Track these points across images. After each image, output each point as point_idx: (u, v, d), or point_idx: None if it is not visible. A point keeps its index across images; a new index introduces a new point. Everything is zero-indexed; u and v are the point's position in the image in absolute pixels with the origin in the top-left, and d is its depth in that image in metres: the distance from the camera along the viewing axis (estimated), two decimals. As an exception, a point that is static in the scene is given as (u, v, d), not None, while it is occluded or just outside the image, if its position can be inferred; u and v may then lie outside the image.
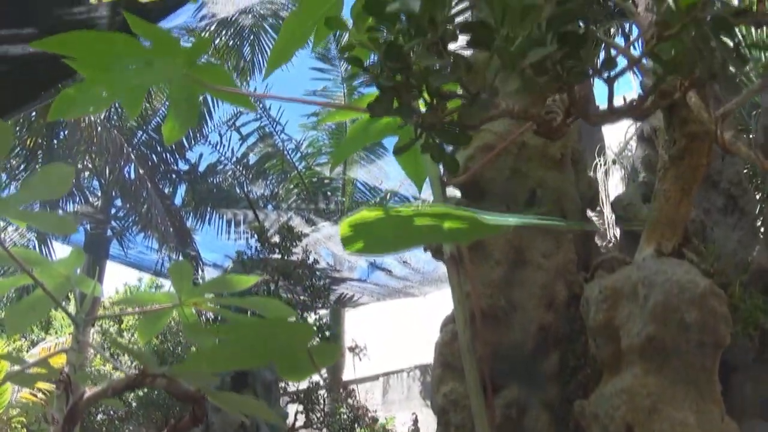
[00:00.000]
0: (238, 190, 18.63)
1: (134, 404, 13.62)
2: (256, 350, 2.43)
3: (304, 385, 11.51)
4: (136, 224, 17.71)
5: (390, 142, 2.51)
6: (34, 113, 14.56)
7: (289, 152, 18.73)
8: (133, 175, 17.19)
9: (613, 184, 8.64)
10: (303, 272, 11.98)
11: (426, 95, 1.53)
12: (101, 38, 2.37)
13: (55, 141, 16.84)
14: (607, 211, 7.40)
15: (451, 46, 1.47)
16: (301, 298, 12.06)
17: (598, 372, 2.88)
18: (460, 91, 1.52)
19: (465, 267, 2.50)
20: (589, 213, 3.88)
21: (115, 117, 16.29)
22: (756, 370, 3.74)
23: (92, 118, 15.27)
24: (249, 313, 3.88)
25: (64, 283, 3.11)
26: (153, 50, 2.32)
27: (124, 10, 2.32)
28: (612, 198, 8.05)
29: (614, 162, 8.74)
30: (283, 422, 9.94)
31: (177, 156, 18.15)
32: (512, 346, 3.06)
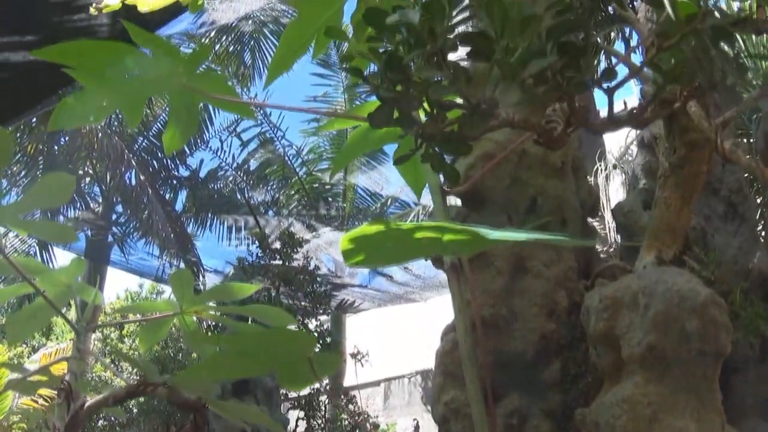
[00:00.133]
0: (239, 196, 18.63)
1: (135, 411, 13.62)
2: (257, 359, 2.43)
3: (305, 391, 11.49)
4: (137, 230, 17.71)
5: (391, 148, 2.51)
6: (34, 119, 14.56)
7: (290, 158, 18.75)
8: (134, 181, 17.21)
9: (613, 189, 8.65)
10: (304, 278, 11.99)
11: (426, 105, 1.54)
12: (101, 47, 2.38)
13: (56, 147, 16.86)
14: (608, 216, 7.40)
15: (452, 56, 1.48)
16: (302, 304, 12.05)
17: (599, 380, 2.88)
18: (460, 101, 1.52)
19: (465, 276, 2.50)
20: (590, 219, 3.88)
21: (116, 123, 16.30)
22: (756, 371, 3.73)
23: (93, 125, 15.27)
24: (250, 320, 3.88)
25: (65, 292, 3.11)
26: (153, 59, 2.32)
27: (123, 20, 2.32)
28: (613, 203, 8.06)
29: (615, 167, 8.74)
30: (284, 429, 9.92)
31: (178, 162, 18.16)
32: (513, 354, 3.05)
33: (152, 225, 16.60)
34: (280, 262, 11.80)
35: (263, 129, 18.35)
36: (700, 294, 2.56)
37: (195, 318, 3.20)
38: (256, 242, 12.41)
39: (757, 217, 5.38)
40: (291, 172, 18.83)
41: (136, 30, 2.29)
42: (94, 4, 2.37)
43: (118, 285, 28.81)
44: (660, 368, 2.57)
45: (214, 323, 9.78)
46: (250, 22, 16.22)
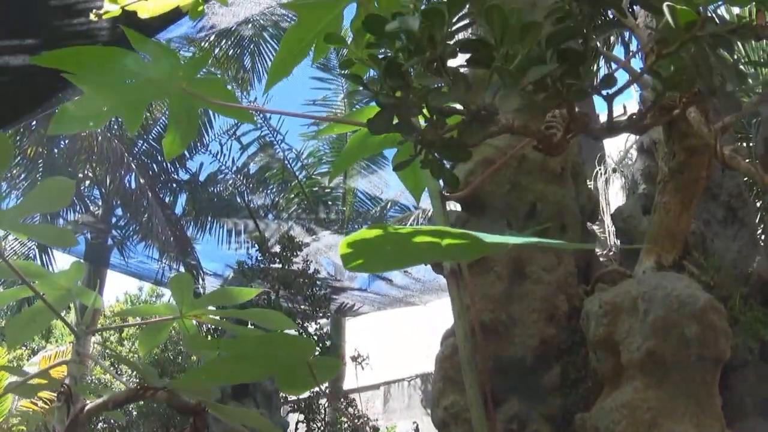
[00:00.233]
0: (238, 200, 18.63)
1: (134, 413, 13.61)
2: (257, 364, 2.44)
3: (304, 394, 11.50)
4: (136, 233, 17.70)
5: (390, 151, 2.52)
6: (34, 122, 14.56)
7: (290, 162, 18.74)
8: (133, 185, 17.22)
9: (613, 192, 8.65)
10: (303, 282, 11.99)
11: (426, 111, 1.54)
12: (100, 53, 2.38)
13: (56, 150, 16.85)
14: (608, 220, 7.40)
15: (451, 62, 1.48)
16: (302, 307, 12.06)
17: (598, 385, 2.88)
18: (459, 107, 1.52)
19: (465, 281, 2.51)
20: (589, 224, 3.88)
21: (115, 127, 16.29)
22: (756, 370, 3.74)
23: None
24: (249, 323, 3.88)
25: (65, 295, 3.12)
26: (152, 65, 2.32)
27: (123, 26, 2.32)
28: (612, 206, 8.06)
29: (614, 171, 8.74)
30: (284, 432, 9.93)
31: (177, 165, 18.15)
32: (513, 359, 3.05)
33: (152, 228, 16.60)
34: (280, 266, 11.81)
35: (263, 133, 18.34)
36: (700, 299, 2.56)
37: (194, 322, 3.20)
38: (256, 246, 12.42)
39: (757, 221, 5.38)
40: (291, 175, 18.83)
41: (136, 36, 2.30)
42: (94, 11, 2.36)
43: (118, 288, 28.89)
44: (659, 373, 2.57)
45: (213, 327, 9.79)
46: (249, 26, 16.22)
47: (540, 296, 3.13)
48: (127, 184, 17.32)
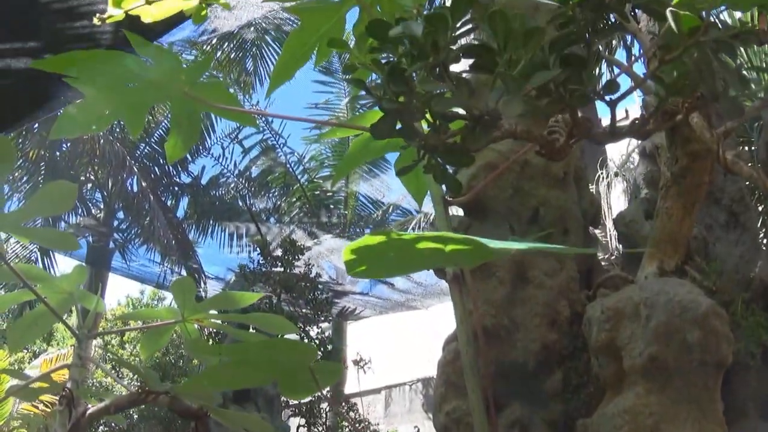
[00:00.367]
0: (240, 203, 18.62)
1: (135, 417, 13.61)
2: (259, 369, 2.44)
3: (306, 398, 11.49)
4: (138, 237, 17.69)
5: (393, 155, 2.52)
6: (36, 125, 14.55)
7: (292, 165, 18.74)
8: (135, 188, 17.22)
9: (615, 196, 8.65)
10: (305, 285, 11.99)
11: (429, 116, 1.54)
12: (102, 57, 2.38)
13: (58, 153, 16.84)
14: (610, 224, 7.39)
15: (454, 67, 1.48)
16: (304, 311, 12.05)
17: (600, 390, 2.88)
18: (462, 111, 1.52)
19: (467, 285, 2.50)
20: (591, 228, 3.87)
21: (117, 130, 16.29)
22: (757, 371, 3.73)
23: (95, 131, 15.23)
24: (251, 327, 3.88)
25: (66, 299, 3.12)
26: (154, 68, 2.32)
27: (125, 30, 2.32)
28: (614, 210, 8.06)
29: (616, 175, 8.74)
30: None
31: (179, 169, 18.15)
32: (515, 364, 3.05)
33: (154, 231, 16.59)
34: (282, 270, 11.81)
35: (265, 136, 18.35)
36: (702, 305, 2.56)
37: (196, 326, 3.20)
38: (258, 249, 12.43)
39: (759, 226, 5.38)
40: (293, 179, 18.82)
41: (138, 39, 2.30)
42: (97, 15, 2.36)
43: (119, 291, 28.88)
44: (661, 379, 2.57)
45: (215, 330, 9.78)
46: (252, 29, 16.22)
47: (542, 301, 3.13)
48: (129, 187, 17.32)
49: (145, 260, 17.85)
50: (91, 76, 2.28)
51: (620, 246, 4.59)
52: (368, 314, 18.58)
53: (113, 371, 16.18)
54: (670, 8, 1.39)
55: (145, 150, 17.71)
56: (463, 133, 1.52)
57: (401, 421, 18.24)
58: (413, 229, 16.36)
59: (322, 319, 12.97)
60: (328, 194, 19.14)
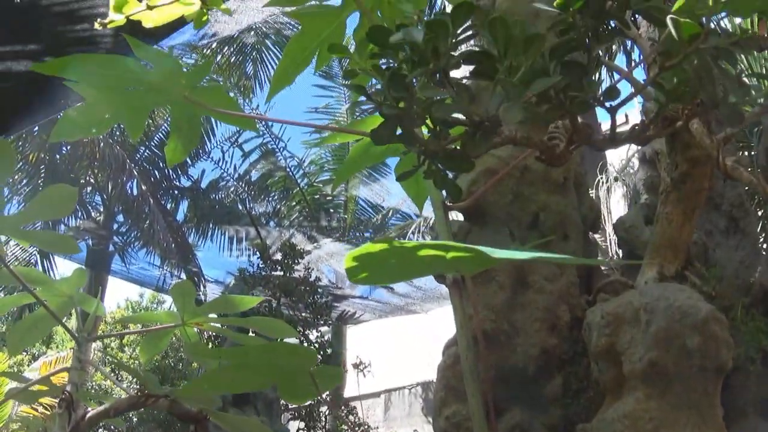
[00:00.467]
0: (240, 207, 18.63)
1: (135, 420, 13.60)
2: (259, 373, 2.43)
3: (305, 402, 11.48)
4: (138, 240, 17.69)
5: (393, 159, 2.52)
6: (36, 128, 14.56)
7: (292, 169, 18.76)
8: (135, 191, 17.23)
9: (614, 201, 8.66)
10: (305, 289, 12.00)
11: (429, 122, 1.54)
12: (102, 60, 2.38)
13: (58, 156, 16.85)
14: (609, 229, 7.40)
15: (455, 74, 1.48)
16: (303, 315, 12.06)
17: (600, 395, 2.88)
18: (462, 117, 1.52)
19: (467, 290, 2.50)
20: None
21: (117, 133, 16.31)
22: (757, 374, 3.74)
23: (95, 134, 15.22)
24: (250, 331, 3.87)
25: (66, 302, 3.12)
26: (154, 72, 2.32)
27: (125, 34, 2.32)
28: (614, 215, 8.07)
29: (616, 180, 8.76)
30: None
31: (179, 172, 18.16)
32: (515, 369, 3.05)
33: (153, 235, 16.60)
34: (281, 273, 11.83)
35: (265, 140, 18.37)
36: (701, 310, 2.57)
37: (196, 329, 3.20)
38: (258, 253, 12.44)
39: (759, 231, 5.38)
40: (292, 183, 18.84)
41: (139, 43, 2.30)
42: (98, 20, 2.37)
43: (119, 294, 28.90)
44: (661, 384, 2.57)
45: (214, 334, 9.78)
46: (252, 33, 16.24)
47: (542, 306, 3.13)
48: (129, 191, 17.33)
49: (145, 263, 17.88)
50: (91, 79, 2.28)
51: (620, 251, 4.60)
52: (368, 318, 18.59)
53: (112, 374, 16.18)
54: (671, 15, 1.40)
55: (145, 153, 17.73)
56: (464, 139, 1.52)
57: (401, 425, 18.23)
58: (413, 233, 16.37)
59: (322, 322, 12.98)
60: (328, 198, 19.16)
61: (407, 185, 2.65)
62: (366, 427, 13.09)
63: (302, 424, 11.50)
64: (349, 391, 15.91)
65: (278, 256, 12.29)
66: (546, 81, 1.38)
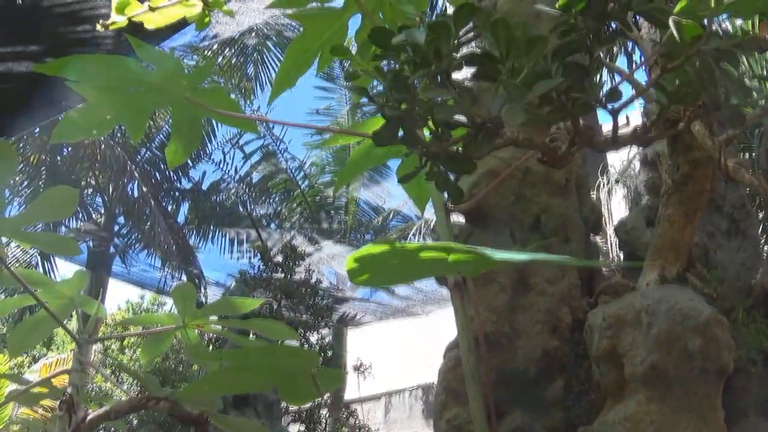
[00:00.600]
0: (241, 209, 18.62)
1: (135, 422, 13.58)
2: (259, 375, 2.43)
3: (306, 404, 11.47)
4: (138, 242, 17.70)
5: (394, 162, 2.52)
6: (37, 129, 14.56)
7: (293, 171, 18.75)
8: (136, 193, 17.23)
9: (615, 203, 8.66)
10: (306, 291, 12.00)
11: (431, 124, 1.53)
12: (103, 61, 2.38)
13: (59, 158, 16.84)
14: (611, 230, 7.40)
15: (457, 75, 1.47)
16: (304, 317, 12.05)
17: (601, 398, 2.88)
18: (464, 119, 1.51)
19: (468, 292, 2.50)
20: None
21: (118, 134, 16.30)
22: (758, 376, 3.73)
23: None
24: (251, 333, 3.87)
25: (67, 304, 3.11)
26: (156, 73, 2.32)
27: (127, 35, 2.32)
28: (615, 217, 8.07)
29: (617, 181, 8.75)
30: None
31: (180, 174, 18.16)
32: (516, 371, 3.05)
33: (154, 236, 16.59)
34: (282, 275, 11.82)
35: (266, 142, 18.35)
36: (703, 313, 2.56)
37: (197, 331, 3.20)
38: (258, 255, 12.43)
39: (760, 233, 5.38)
40: (293, 185, 18.83)
41: (140, 44, 2.30)
42: (100, 21, 2.36)
43: (120, 296, 28.82)
44: (662, 387, 2.57)
45: (215, 336, 9.77)
46: (253, 34, 16.23)
47: (543, 308, 3.13)
48: (130, 192, 17.33)
49: (146, 265, 17.89)
50: (92, 79, 2.28)
51: (621, 253, 4.60)
52: (368, 320, 18.58)
53: (113, 376, 16.18)
54: (672, 17, 1.39)
55: (146, 155, 17.72)
56: (465, 140, 1.52)
57: (401, 428, 18.22)
58: (414, 235, 16.36)
59: (323, 324, 12.97)
60: (329, 200, 19.14)
61: (409, 187, 2.64)
62: (366, 429, 13.09)
63: (302, 427, 11.50)
64: (349, 394, 15.90)
65: (279, 258, 12.29)
66: (548, 83, 1.38)
